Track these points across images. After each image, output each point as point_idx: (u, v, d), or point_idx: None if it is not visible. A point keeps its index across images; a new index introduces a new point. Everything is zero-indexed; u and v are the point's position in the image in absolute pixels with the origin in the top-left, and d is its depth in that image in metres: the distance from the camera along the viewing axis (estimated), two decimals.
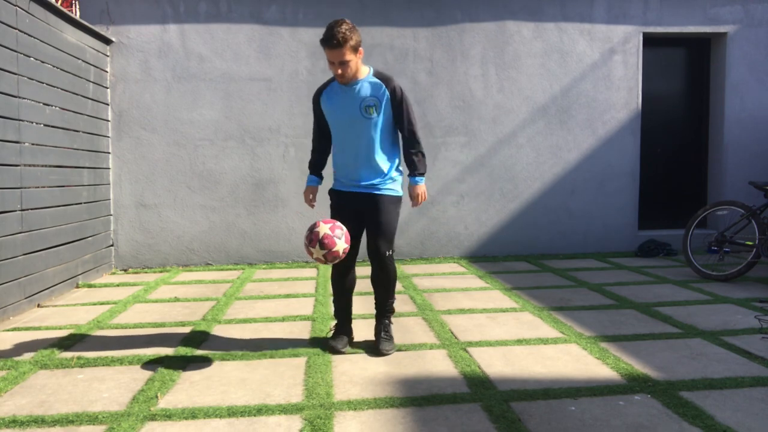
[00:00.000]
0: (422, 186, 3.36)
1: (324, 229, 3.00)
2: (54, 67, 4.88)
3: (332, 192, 3.46)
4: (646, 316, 4.06)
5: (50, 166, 4.80)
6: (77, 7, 6.03)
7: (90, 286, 5.34)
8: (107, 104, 5.99)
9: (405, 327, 3.85)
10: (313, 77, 6.21)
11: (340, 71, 3.14)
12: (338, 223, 3.08)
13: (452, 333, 3.71)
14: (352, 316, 3.64)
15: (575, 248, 6.67)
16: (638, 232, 6.77)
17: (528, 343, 3.49)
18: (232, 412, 2.58)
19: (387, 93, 3.24)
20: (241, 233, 6.25)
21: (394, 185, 3.38)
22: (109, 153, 6.03)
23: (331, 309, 4.35)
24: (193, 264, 6.23)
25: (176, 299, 4.76)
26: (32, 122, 4.54)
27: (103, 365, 3.21)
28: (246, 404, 2.66)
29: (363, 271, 5.61)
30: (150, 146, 6.11)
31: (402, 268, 5.97)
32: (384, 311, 3.48)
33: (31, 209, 4.49)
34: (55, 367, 3.18)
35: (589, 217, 6.67)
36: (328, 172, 3.60)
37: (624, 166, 6.67)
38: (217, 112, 6.16)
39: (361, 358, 3.27)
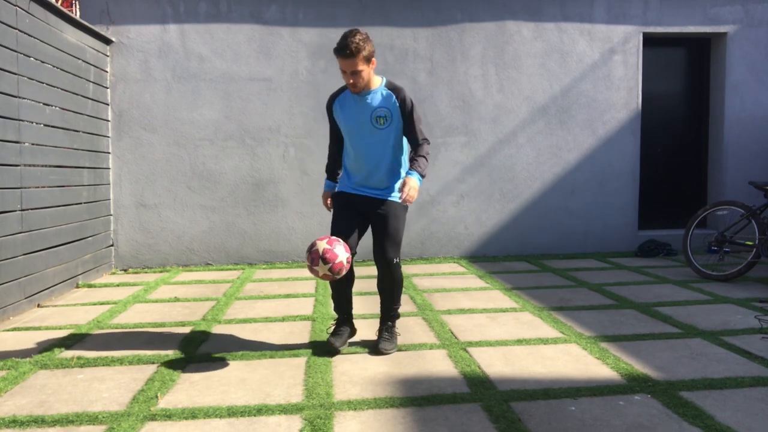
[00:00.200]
0: (416, 181, 3.19)
1: (322, 245, 3.02)
2: (54, 67, 4.88)
3: (338, 194, 3.47)
4: (646, 316, 4.06)
5: (50, 166, 4.80)
6: (77, 7, 6.03)
7: (90, 286, 5.34)
8: (107, 104, 5.99)
9: (405, 327, 3.85)
10: (313, 77, 6.21)
11: (352, 81, 3.16)
12: (333, 237, 3.11)
13: (452, 333, 3.71)
14: (353, 314, 3.64)
15: (575, 248, 6.67)
16: (638, 232, 6.77)
17: (528, 343, 3.49)
18: (232, 412, 2.58)
19: (397, 103, 3.27)
20: (241, 233, 6.25)
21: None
22: (109, 153, 6.03)
23: (331, 308, 4.35)
24: (193, 264, 6.23)
25: (176, 299, 4.76)
26: (32, 122, 4.54)
27: (103, 365, 3.21)
28: (246, 404, 2.66)
29: (364, 271, 5.62)
30: (150, 146, 6.11)
31: (402, 269, 5.96)
32: (389, 316, 3.48)
33: (31, 209, 4.49)
34: (55, 367, 3.18)
35: (589, 217, 6.67)
36: None
37: (624, 166, 6.67)
38: (217, 112, 6.16)
39: (361, 358, 3.27)
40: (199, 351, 3.42)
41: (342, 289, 3.46)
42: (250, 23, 6.16)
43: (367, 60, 3.14)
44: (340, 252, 3.03)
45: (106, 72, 5.98)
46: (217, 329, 3.89)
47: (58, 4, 5.16)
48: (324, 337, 3.65)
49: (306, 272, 5.83)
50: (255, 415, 2.55)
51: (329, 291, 4.96)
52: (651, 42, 6.76)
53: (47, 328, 3.96)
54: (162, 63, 6.08)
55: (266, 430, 2.42)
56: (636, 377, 2.90)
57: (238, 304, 4.57)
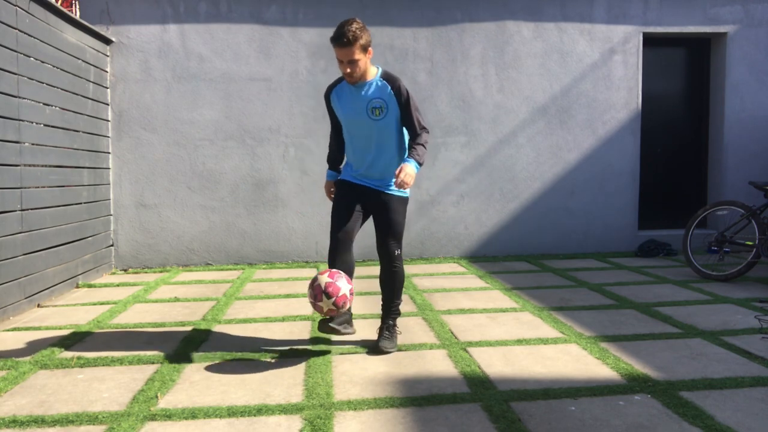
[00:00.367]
0: (413, 168, 3.15)
1: (323, 279, 3.01)
2: (54, 67, 4.88)
3: (340, 181, 3.45)
4: (646, 316, 4.06)
5: (50, 166, 4.80)
6: (77, 7, 6.03)
7: (90, 286, 5.34)
8: (107, 104, 5.99)
9: (405, 327, 3.85)
10: (313, 77, 6.21)
11: (348, 70, 3.13)
12: (334, 270, 3.09)
13: (452, 333, 3.71)
14: (353, 313, 3.65)
15: (575, 248, 6.67)
16: (638, 232, 6.77)
17: (528, 343, 3.48)
18: (232, 412, 2.58)
19: (392, 92, 3.24)
20: (241, 233, 6.25)
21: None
22: (109, 153, 6.03)
23: None
24: (193, 264, 6.22)
25: (176, 299, 4.76)
26: (32, 122, 4.54)
27: (103, 365, 3.21)
28: (246, 404, 2.66)
29: (364, 271, 5.62)
30: (150, 146, 6.11)
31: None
32: (389, 311, 3.48)
33: (31, 209, 4.49)
34: (55, 367, 3.18)
35: (589, 217, 6.67)
36: None
37: (624, 166, 6.67)
38: (217, 112, 6.16)
39: (361, 358, 3.26)
40: (199, 351, 3.42)
41: (344, 261, 3.39)
42: (250, 23, 6.16)
43: (364, 49, 3.11)
44: (343, 285, 3.02)
45: (106, 72, 5.98)
46: (217, 329, 3.89)
47: (58, 4, 5.16)
48: (324, 337, 3.65)
49: (306, 272, 5.83)
50: (255, 415, 2.55)
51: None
52: (651, 42, 6.76)
53: (47, 328, 3.96)
54: (162, 63, 6.08)
55: (266, 430, 2.42)
56: (636, 377, 2.90)
57: (238, 304, 4.57)
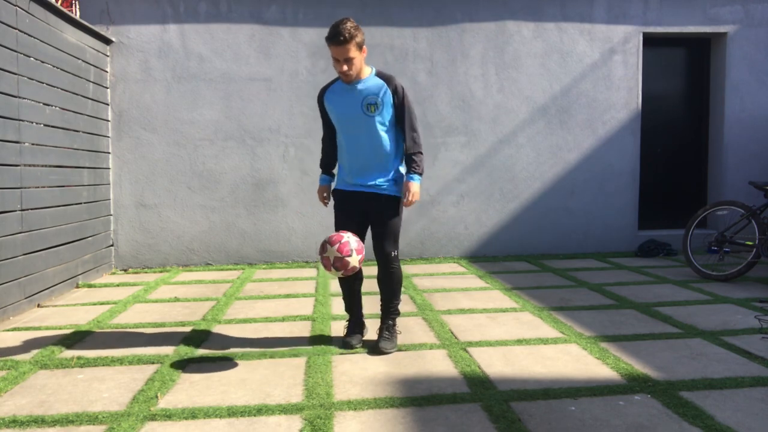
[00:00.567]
0: (418, 185, 3.33)
1: (333, 253, 3.01)
2: (54, 67, 4.88)
3: (336, 191, 3.49)
4: (646, 316, 4.06)
5: (50, 166, 4.80)
6: (77, 7, 6.03)
7: (90, 286, 5.34)
8: (107, 104, 5.99)
9: (405, 327, 3.85)
10: (313, 77, 6.21)
11: (345, 67, 3.16)
12: (345, 239, 3.04)
13: (452, 333, 3.71)
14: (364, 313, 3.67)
15: (575, 248, 6.67)
16: (638, 232, 6.77)
17: (528, 343, 3.49)
18: (232, 412, 2.58)
19: (389, 92, 3.27)
20: (241, 233, 6.25)
21: (398, 186, 3.40)
22: (109, 153, 6.03)
23: (332, 309, 4.36)
24: (193, 264, 6.23)
25: (176, 299, 4.76)
26: (32, 122, 4.54)
27: (103, 365, 3.21)
28: (246, 404, 2.66)
29: (365, 271, 5.61)
30: (150, 146, 6.11)
31: (402, 268, 5.95)
32: (388, 312, 3.48)
33: (31, 209, 4.49)
34: (55, 367, 3.18)
35: (589, 217, 6.67)
36: None
37: (624, 166, 6.67)
38: (217, 112, 6.16)
39: (361, 358, 3.27)
40: (199, 351, 3.42)
41: (351, 287, 3.51)
42: (250, 23, 6.16)
43: (359, 47, 3.15)
44: (352, 258, 3.04)
45: (106, 72, 5.98)
46: (217, 329, 3.89)
47: (58, 4, 5.16)
48: (324, 337, 3.66)
49: (306, 272, 5.83)
50: (255, 415, 2.55)
51: (329, 291, 4.97)
52: (651, 42, 6.76)
53: (47, 328, 3.96)
54: (162, 63, 6.08)
55: (266, 430, 2.42)
56: (636, 377, 2.90)
57: (238, 304, 4.57)
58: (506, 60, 6.46)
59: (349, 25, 3.09)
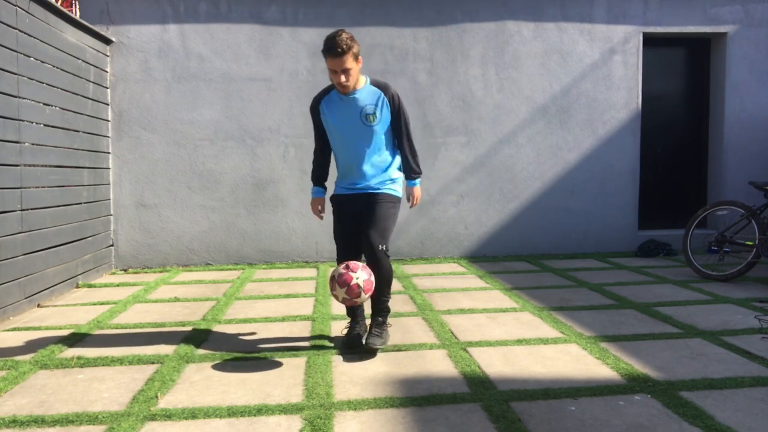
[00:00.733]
0: (419, 189, 3.57)
1: (341, 294, 3.08)
2: (54, 67, 4.88)
3: (334, 197, 3.53)
4: (646, 316, 4.06)
5: (50, 166, 4.80)
6: (77, 7, 6.03)
7: (90, 286, 5.34)
8: (107, 104, 5.99)
9: (405, 327, 3.85)
10: (313, 77, 6.21)
11: (343, 78, 3.17)
12: (353, 281, 3.05)
13: (452, 333, 3.71)
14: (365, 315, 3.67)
15: (575, 248, 6.67)
16: (638, 232, 6.77)
17: (528, 343, 3.48)
18: (232, 412, 2.58)
19: (386, 100, 3.33)
20: (241, 233, 6.25)
21: (394, 185, 3.45)
22: (109, 153, 6.03)
23: (332, 309, 4.36)
24: (193, 264, 6.23)
25: (176, 299, 4.76)
26: (32, 122, 4.54)
27: (103, 365, 3.21)
28: (246, 404, 2.66)
29: None
30: (150, 146, 6.11)
31: (402, 268, 5.97)
32: (378, 309, 3.44)
33: (31, 209, 4.49)
34: (55, 367, 3.18)
35: (589, 217, 6.67)
36: (331, 179, 3.65)
37: (624, 166, 6.67)
38: (217, 112, 6.16)
39: (361, 358, 3.26)
40: (199, 351, 3.42)
41: None
42: (250, 23, 6.16)
43: (356, 58, 3.18)
44: (358, 273, 3.08)
45: (106, 72, 5.98)
46: (217, 329, 3.89)
47: (58, 4, 5.16)
48: (324, 337, 3.66)
49: (306, 272, 5.83)
50: (255, 415, 2.55)
51: (329, 291, 4.96)
52: (651, 42, 6.76)
53: (47, 328, 3.96)
54: (162, 63, 6.08)
55: (266, 430, 2.42)
56: (636, 377, 2.90)
57: (238, 304, 4.57)
58: (506, 60, 6.46)
59: (345, 36, 3.11)
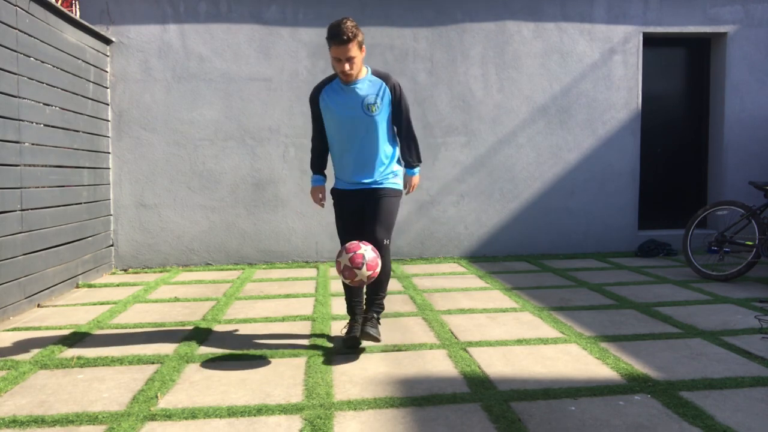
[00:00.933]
0: (417, 177, 3.55)
1: (345, 260, 3.04)
2: (54, 67, 4.88)
3: (334, 191, 3.48)
4: (646, 316, 4.06)
5: (50, 166, 4.80)
6: (77, 7, 6.03)
7: (90, 286, 5.34)
8: (107, 104, 5.99)
9: (405, 327, 3.85)
10: (313, 77, 6.21)
11: (347, 67, 3.15)
12: (360, 251, 3.04)
13: (452, 333, 3.71)
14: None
15: (575, 248, 6.67)
16: (638, 232, 6.77)
17: (528, 343, 3.48)
18: (232, 412, 2.58)
19: (387, 90, 3.30)
20: (241, 233, 6.25)
21: (396, 179, 3.43)
22: (109, 153, 6.03)
23: (332, 309, 4.35)
24: (193, 264, 6.23)
25: (176, 299, 4.76)
26: (32, 122, 4.54)
27: (103, 365, 3.21)
28: (246, 404, 2.66)
29: None
30: (150, 146, 6.11)
31: (402, 268, 5.97)
32: (373, 305, 3.43)
33: (31, 209, 4.49)
34: (55, 367, 3.18)
35: (589, 217, 6.67)
36: (330, 170, 3.63)
37: (624, 166, 6.67)
38: (217, 112, 6.16)
39: (361, 358, 3.26)
40: (199, 351, 3.42)
41: (356, 289, 3.48)
42: (250, 23, 6.16)
43: (360, 46, 3.16)
44: (363, 248, 3.07)
45: (106, 72, 5.98)
46: (217, 329, 3.89)
47: (58, 4, 5.16)
48: (324, 337, 3.65)
49: (306, 272, 5.83)
50: (255, 415, 2.55)
51: (329, 291, 4.97)
52: (651, 42, 6.76)
53: (47, 328, 3.96)
54: (162, 63, 6.08)
55: (266, 430, 2.42)
56: (636, 377, 2.90)
57: (238, 304, 4.57)
58: (506, 60, 6.46)
59: (350, 24, 3.09)
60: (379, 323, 3.46)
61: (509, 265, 6.06)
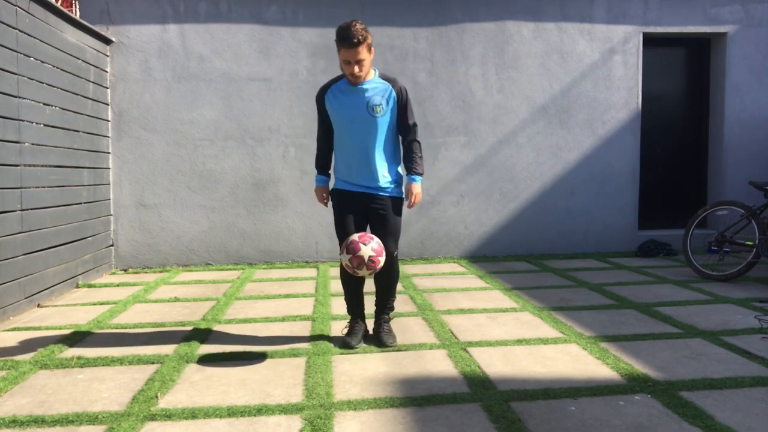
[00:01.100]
0: (419, 185, 3.45)
1: (368, 252, 3.08)
2: (54, 67, 4.88)
3: (335, 191, 3.49)
4: (646, 316, 4.06)
5: (50, 166, 4.80)
6: (77, 7, 6.03)
7: (90, 286, 5.34)
8: (107, 104, 5.99)
9: (405, 327, 3.85)
10: (313, 77, 6.21)
11: (356, 69, 3.17)
12: (361, 246, 3.09)
13: (452, 333, 3.71)
14: (365, 314, 3.68)
15: (575, 248, 6.67)
16: (638, 232, 6.77)
17: (528, 343, 3.49)
18: (232, 412, 2.58)
19: (393, 94, 3.33)
20: (241, 233, 6.25)
21: (399, 187, 3.47)
22: (109, 153, 6.03)
23: (332, 309, 4.35)
24: (193, 264, 6.23)
25: (176, 299, 4.76)
26: (32, 122, 4.54)
27: (103, 365, 3.21)
28: (246, 404, 2.66)
29: None
30: (150, 146, 6.11)
31: (402, 268, 5.97)
32: (384, 308, 3.55)
33: (31, 209, 4.49)
34: (55, 367, 3.18)
35: (589, 217, 6.67)
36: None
37: (624, 166, 6.67)
38: (217, 112, 6.16)
39: (361, 358, 3.27)
40: (199, 351, 3.42)
41: (355, 289, 3.54)
42: (250, 23, 6.16)
43: (369, 48, 3.19)
44: (366, 239, 3.14)
45: (106, 72, 5.98)
46: (217, 329, 3.89)
47: (58, 4, 5.16)
48: (324, 337, 3.66)
49: (306, 272, 5.83)
50: (255, 415, 2.55)
51: (329, 291, 4.97)
52: (651, 42, 6.76)
53: (47, 328, 3.96)
54: (162, 63, 6.08)
55: (266, 430, 2.42)
56: (636, 377, 2.90)
57: (238, 304, 4.57)
58: (506, 60, 6.46)
59: (359, 27, 3.11)
60: (390, 322, 3.61)
61: (509, 265, 6.06)
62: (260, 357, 3.30)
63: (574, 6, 6.50)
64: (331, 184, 3.58)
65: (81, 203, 5.34)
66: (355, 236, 3.14)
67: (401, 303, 4.47)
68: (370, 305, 4.20)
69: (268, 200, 6.26)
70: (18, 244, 4.29)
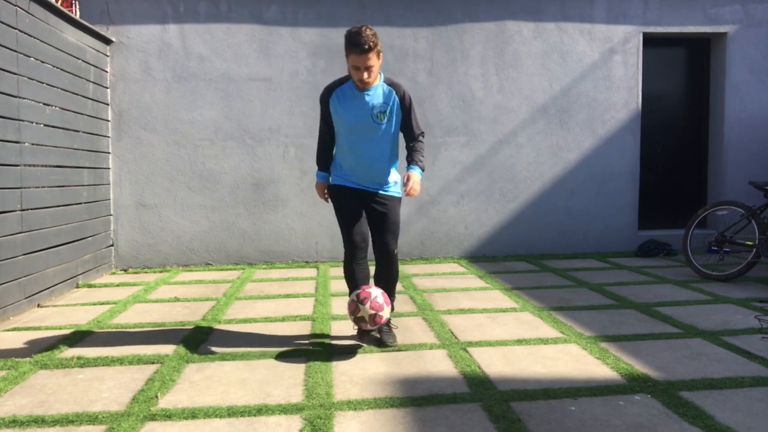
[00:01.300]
0: (418, 175, 3.33)
1: (367, 311, 3.19)
2: (54, 67, 4.88)
3: (333, 186, 3.50)
4: (646, 316, 4.06)
5: (50, 166, 4.80)
6: (77, 7, 6.04)
7: (90, 286, 5.34)
8: (107, 104, 5.99)
9: (405, 327, 3.85)
10: (313, 77, 6.21)
11: (365, 75, 3.18)
12: (373, 296, 3.20)
13: (452, 333, 3.71)
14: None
15: (575, 248, 6.67)
16: (638, 232, 6.77)
17: (528, 343, 3.49)
18: (232, 412, 2.58)
19: (397, 99, 3.34)
20: (241, 233, 6.25)
21: (397, 187, 3.50)
22: (109, 153, 6.03)
23: (332, 309, 4.35)
24: (193, 264, 6.23)
25: (176, 299, 4.76)
26: (32, 122, 4.54)
27: (103, 365, 3.21)
28: (246, 404, 2.66)
29: None
30: (150, 146, 6.11)
31: (402, 268, 5.97)
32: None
33: (31, 209, 4.49)
34: (55, 367, 3.18)
35: (589, 217, 6.67)
36: None
37: (624, 166, 6.67)
38: (217, 112, 6.16)
39: (361, 358, 3.26)
40: (199, 351, 3.42)
41: (359, 282, 3.52)
42: (250, 23, 6.16)
43: (378, 55, 3.20)
44: (374, 290, 3.25)
45: (106, 72, 5.98)
46: (218, 329, 3.89)
47: (58, 4, 5.16)
48: (324, 337, 3.66)
49: (306, 272, 5.83)
50: (255, 415, 2.55)
51: (329, 291, 4.97)
52: (651, 42, 6.76)
53: (47, 328, 3.96)
54: (162, 63, 6.08)
55: (266, 430, 2.42)
56: (636, 377, 2.90)
57: (238, 304, 4.57)
58: (506, 60, 6.46)
59: (370, 32, 3.11)
60: (393, 326, 3.64)
61: (509, 265, 6.06)
62: (260, 357, 3.30)
63: (574, 6, 6.50)
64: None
65: (81, 203, 5.34)
66: (353, 295, 3.24)
67: (401, 303, 4.47)
68: None
69: (268, 200, 6.26)
70: (18, 244, 4.29)
